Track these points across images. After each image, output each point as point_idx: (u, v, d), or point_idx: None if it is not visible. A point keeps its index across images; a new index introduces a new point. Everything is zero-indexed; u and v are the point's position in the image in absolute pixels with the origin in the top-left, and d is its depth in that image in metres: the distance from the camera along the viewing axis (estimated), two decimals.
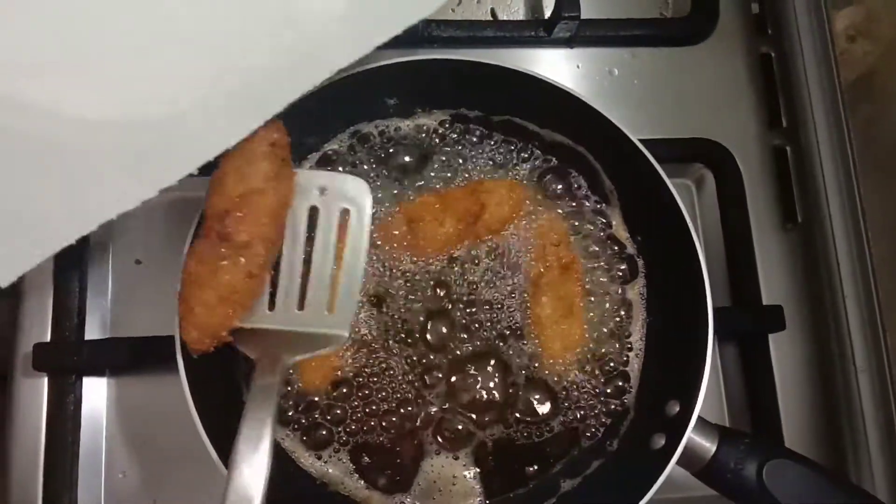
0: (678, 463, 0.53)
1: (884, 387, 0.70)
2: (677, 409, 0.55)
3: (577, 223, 0.65)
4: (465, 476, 0.59)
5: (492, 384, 0.61)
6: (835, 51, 0.80)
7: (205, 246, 0.47)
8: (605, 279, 0.64)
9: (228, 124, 0.46)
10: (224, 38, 0.47)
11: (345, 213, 0.52)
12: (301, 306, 0.50)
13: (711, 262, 0.57)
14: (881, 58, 0.85)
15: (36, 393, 0.65)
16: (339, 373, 0.61)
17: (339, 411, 0.60)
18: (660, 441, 0.55)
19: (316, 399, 0.60)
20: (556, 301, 0.61)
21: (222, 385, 0.58)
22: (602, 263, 0.64)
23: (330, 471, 0.59)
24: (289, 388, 0.60)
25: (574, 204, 0.66)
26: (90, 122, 0.43)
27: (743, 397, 0.71)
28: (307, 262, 0.51)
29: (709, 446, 0.53)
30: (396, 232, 0.63)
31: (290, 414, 0.60)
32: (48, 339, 0.66)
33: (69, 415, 0.65)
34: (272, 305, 0.50)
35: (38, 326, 0.66)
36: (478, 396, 0.61)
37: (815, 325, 0.73)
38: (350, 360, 0.61)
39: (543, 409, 0.61)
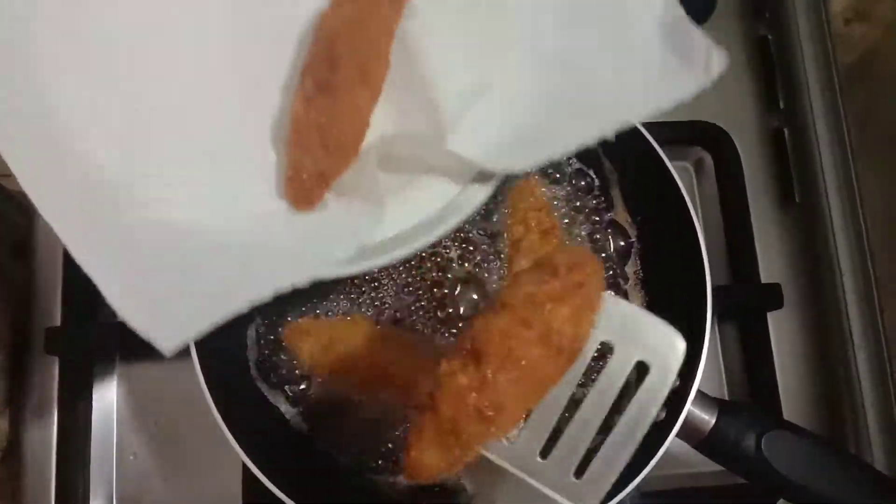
0: (678, 435, 0.54)
1: (881, 363, 0.71)
2: (677, 382, 0.56)
3: (577, 205, 0.66)
4: None
5: None
6: (831, 33, 0.80)
7: None
8: (605, 259, 0.65)
9: None
10: None
11: (641, 366, 0.39)
12: (545, 455, 0.39)
13: (710, 244, 0.58)
14: (880, 40, 0.86)
15: (48, 376, 0.66)
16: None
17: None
18: (660, 414, 0.55)
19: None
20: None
21: (231, 367, 0.60)
22: (603, 244, 0.65)
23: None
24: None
25: (573, 186, 0.66)
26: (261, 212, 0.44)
27: (742, 374, 0.72)
28: (575, 404, 0.39)
29: (708, 418, 0.54)
30: None
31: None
32: (59, 323, 0.67)
33: (81, 398, 0.66)
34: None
35: (50, 311, 0.67)
36: None
37: (813, 303, 0.74)
38: None
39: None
